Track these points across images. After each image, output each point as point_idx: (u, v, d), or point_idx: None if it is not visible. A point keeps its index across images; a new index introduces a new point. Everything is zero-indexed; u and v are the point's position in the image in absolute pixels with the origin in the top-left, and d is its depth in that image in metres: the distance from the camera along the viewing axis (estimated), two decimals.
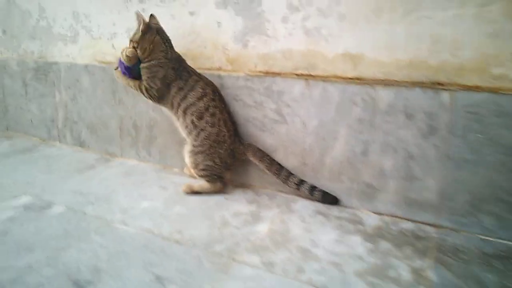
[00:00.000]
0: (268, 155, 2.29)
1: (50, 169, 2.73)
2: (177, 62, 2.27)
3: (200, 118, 2.24)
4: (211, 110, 2.24)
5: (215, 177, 2.32)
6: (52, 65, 3.15)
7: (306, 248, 1.81)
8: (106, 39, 2.85)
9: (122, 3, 2.71)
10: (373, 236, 1.91)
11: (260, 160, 2.28)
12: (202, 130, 2.25)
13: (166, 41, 2.24)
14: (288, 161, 2.32)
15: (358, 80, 2.06)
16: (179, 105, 2.26)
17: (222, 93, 2.40)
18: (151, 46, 2.19)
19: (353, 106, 2.08)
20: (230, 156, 2.31)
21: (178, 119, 2.31)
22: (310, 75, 2.18)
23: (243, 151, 2.32)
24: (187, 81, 2.25)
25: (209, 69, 2.48)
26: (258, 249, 1.80)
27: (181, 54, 2.36)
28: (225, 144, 2.28)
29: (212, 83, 2.32)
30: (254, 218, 2.07)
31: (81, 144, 3.16)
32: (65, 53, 3.09)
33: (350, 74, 2.08)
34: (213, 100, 2.25)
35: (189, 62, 2.45)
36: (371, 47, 2.01)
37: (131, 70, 2.27)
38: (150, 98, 2.30)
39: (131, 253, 1.76)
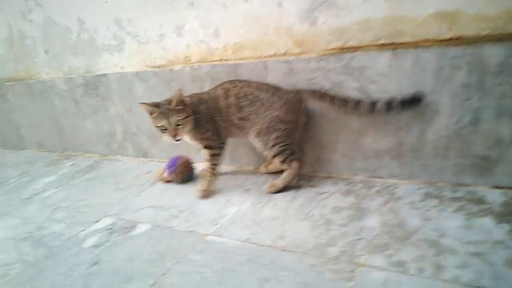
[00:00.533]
0: (324, 92, 2.10)
1: (120, 186, 2.61)
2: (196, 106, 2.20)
3: (247, 105, 2.15)
4: (243, 92, 2.15)
5: (288, 150, 2.11)
6: (101, 78, 3.02)
7: (434, 240, 1.58)
8: (155, 42, 2.67)
9: (166, 1, 2.52)
10: (505, 215, 1.65)
11: (320, 98, 2.08)
12: (255, 112, 2.13)
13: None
14: (381, 143, 2.09)
15: (457, 41, 1.78)
16: (231, 122, 2.21)
17: (293, 79, 2.19)
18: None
19: (455, 71, 1.80)
20: (289, 113, 2.10)
21: (237, 129, 2.24)
22: (397, 44, 1.92)
23: (299, 99, 2.11)
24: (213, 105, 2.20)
25: (273, 55, 2.25)
26: (379, 248, 1.58)
27: (239, 43, 2.22)
28: (276, 105, 2.09)
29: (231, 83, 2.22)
30: (359, 212, 1.86)
31: (145, 154, 3.03)
32: (112, 64, 2.95)
33: (446, 35, 1.81)
34: (235, 86, 2.18)
35: (249, 52, 2.25)
36: (470, 1, 1.72)
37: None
38: (221, 146, 2.26)
39: (239, 270, 1.58)
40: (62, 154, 3.56)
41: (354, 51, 2.03)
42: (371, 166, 2.15)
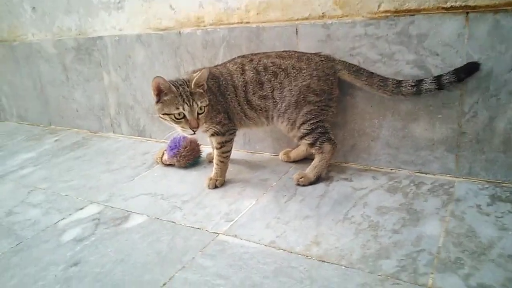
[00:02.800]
0: (361, 67, 1.73)
1: (111, 167, 2.19)
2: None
3: (269, 79, 1.75)
4: (263, 65, 1.76)
5: (320, 129, 1.73)
6: (95, 41, 2.58)
7: None
8: None
9: None
10: None
11: (355, 74, 1.71)
12: (280, 86, 1.74)
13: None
14: (435, 132, 1.70)
15: None
16: (242, 103, 1.81)
17: (330, 48, 1.80)
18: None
19: None
20: (321, 82, 1.71)
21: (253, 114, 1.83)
22: (470, 7, 1.52)
23: (332, 65, 1.73)
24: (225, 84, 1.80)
25: (306, 18, 1.85)
26: (449, 265, 1.20)
27: (265, 2, 1.81)
28: (305, 72, 1.70)
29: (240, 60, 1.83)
30: (412, 215, 1.47)
31: (141, 132, 2.62)
32: (110, 25, 2.51)
33: None
34: (250, 60, 1.80)
35: (277, 14, 1.85)
36: None
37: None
38: (231, 133, 1.84)
39: (265, 285, 1.19)
40: (46, 128, 3.13)
41: (413, 14, 1.63)
42: (420, 159, 1.76)
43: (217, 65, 1.86)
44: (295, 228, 1.47)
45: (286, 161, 2.02)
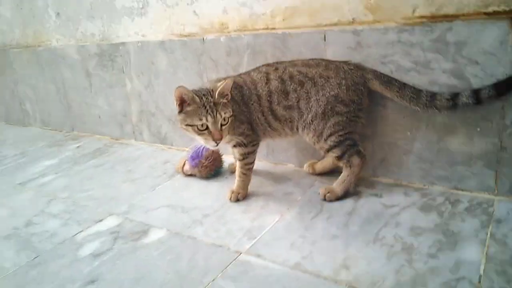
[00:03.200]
0: (393, 77, 1.61)
1: (133, 176, 2.15)
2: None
3: (295, 89, 1.66)
4: (289, 74, 1.68)
5: (348, 141, 1.64)
6: (118, 47, 2.56)
7: None
8: (185, 4, 2.20)
9: None
10: None
11: (386, 85, 1.60)
12: (306, 96, 1.64)
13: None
14: (474, 146, 1.58)
15: None
16: (266, 113, 1.72)
17: (360, 56, 1.71)
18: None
19: None
20: (351, 91, 1.61)
21: (277, 125, 1.75)
22: None
23: (361, 74, 1.63)
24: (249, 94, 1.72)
25: (335, 24, 1.75)
26: None
27: (292, 8, 1.73)
28: (333, 80, 1.61)
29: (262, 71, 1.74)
30: (448, 237, 1.36)
31: (163, 140, 2.57)
32: (133, 31, 2.48)
33: None
34: (275, 68, 1.71)
35: (304, 19, 1.77)
36: None
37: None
38: (254, 144, 1.76)
39: None
40: (68, 133, 3.13)
41: (451, 20, 1.52)
42: (456, 174, 1.65)
43: (240, 74, 1.79)
44: (322, 249, 1.38)
45: (312, 173, 1.93)
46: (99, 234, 1.61)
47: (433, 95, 1.53)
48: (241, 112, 1.69)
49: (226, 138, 1.63)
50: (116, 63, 2.62)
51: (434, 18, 1.55)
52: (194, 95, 1.54)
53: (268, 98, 1.68)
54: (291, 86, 1.65)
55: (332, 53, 1.78)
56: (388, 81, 1.60)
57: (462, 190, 1.65)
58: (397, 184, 1.77)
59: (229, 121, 1.58)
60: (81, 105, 2.97)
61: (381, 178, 1.82)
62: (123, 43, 2.53)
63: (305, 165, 1.96)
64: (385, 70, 1.67)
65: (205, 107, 1.53)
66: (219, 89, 1.54)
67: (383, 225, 1.47)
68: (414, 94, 1.56)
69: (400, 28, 1.61)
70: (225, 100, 1.57)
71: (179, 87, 1.53)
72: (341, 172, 1.70)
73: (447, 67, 1.55)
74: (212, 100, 1.54)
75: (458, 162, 1.63)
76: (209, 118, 1.52)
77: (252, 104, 1.70)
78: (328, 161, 1.88)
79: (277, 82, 1.67)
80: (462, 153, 1.62)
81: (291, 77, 1.66)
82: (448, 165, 1.66)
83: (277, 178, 1.95)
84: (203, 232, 1.55)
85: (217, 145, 1.58)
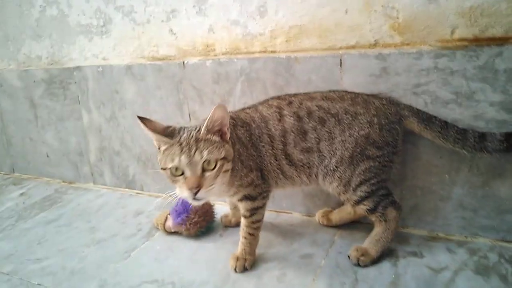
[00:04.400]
0: (433, 115, 1.33)
1: (97, 236, 1.71)
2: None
3: (315, 128, 1.33)
4: (306, 109, 1.35)
5: (382, 191, 1.33)
6: (72, 72, 2.11)
7: None
8: (159, 21, 1.82)
9: None
10: None
11: (426, 123, 1.32)
12: (328, 137, 1.32)
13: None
14: None
15: None
16: (279, 158, 1.37)
17: (386, 85, 1.43)
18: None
19: None
20: (384, 131, 1.31)
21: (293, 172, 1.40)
22: None
23: (396, 111, 1.33)
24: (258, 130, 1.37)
25: (353, 47, 1.46)
26: None
27: (298, 27, 1.45)
28: (362, 118, 1.31)
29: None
30: None
31: (130, 184, 2.13)
32: (91, 53, 2.05)
33: None
34: (289, 102, 1.38)
35: (314, 41, 1.48)
36: None
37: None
38: (265, 196, 1.40)
39: None
40: (8, 176, 2.57)
41: (500, 44, 1.27)
42: (505, 224, 1.39)
43: (245, 108, 1.44)
44: None
45: (326, 225, 1.60)
46: None
47: (482, 136, 1.27)
48: (249, 157, 1.33)
49: (214, 189, 1.21)
50: (69, 91, 2.16)
51: (478, 41, 1.30)
52: (163, 132, 1.20)
53: (282, 139, 1.34)
54: (309, 124, 1.32)
55: (350, 81, 1.47)
56: (428, 119, 1.32)
57: (504, 240, 1.39)
58: (433, 237, 1.48)
59: (218, 166, 1.18)
60: (24, 141, 2.45)
61: (412, 229, 1.53)
62: (78, 68, 2.09)
63: (317, 215, 1.63)
64: (418, 102, 1.39)
65: (180, 144, 1.16)
66: (206, 121, 1.17)
67: None
68: (459, 134, 1.29)
69: (437, 53, 1.34)
70: (215, 138, 1.19)
71: (140, 120, 1.21)
72: (373, 229, 1.38)
73: (496, 99, 1.30)
74: (195, 135, 1.17)
75: (508, 209, 1.38)
76: (183, 158, 1.14)
77: (263, 146, 1.34)
78: (347, 210, 1.56)
79: (292, 119, 1.33)
80: None
81: (309, 113, 1.33)
82: (494, 213, 1.40)
83: (285, 232, 1.60)
84: None
85: (194, 197, 1.16)
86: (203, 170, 1.16)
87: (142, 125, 1.20)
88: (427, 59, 1.36)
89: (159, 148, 1.24)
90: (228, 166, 1.22)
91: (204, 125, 1.17)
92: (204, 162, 1.15)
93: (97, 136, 2.15)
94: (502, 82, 1.28)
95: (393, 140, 1.32)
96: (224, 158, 1.19)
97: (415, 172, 1.47)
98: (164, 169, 1.20)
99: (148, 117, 1.23)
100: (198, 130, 1.19)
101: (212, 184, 1.17)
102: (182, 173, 1.17)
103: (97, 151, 2.18)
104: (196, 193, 1.15)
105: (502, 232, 1.40)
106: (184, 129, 1.22)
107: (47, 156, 2.39)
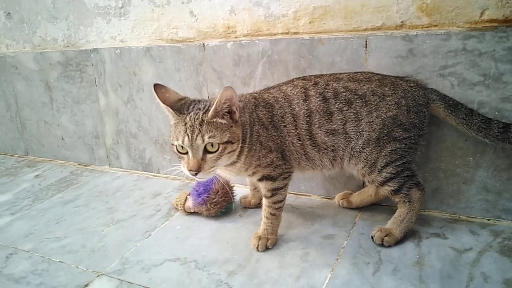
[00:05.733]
0: (459, 102, 1.32)
1: (116, 216, 1.71)
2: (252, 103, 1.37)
3: (341, 109, 1.32)
4: (332, 90, 1.34)
5: (407, 172, 1.33)
6: (89, 54, 2.10)
7: None
8: (180, 3, 1.80)
9: None
10: None
11: (451, 110, 1.31)
12: (355, 118, 1.32)
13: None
14: None
15: None
16: (303, 138, 1.36)
17: (412, 67, 1.42)
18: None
19: None
20: (412, 113, 1.30)
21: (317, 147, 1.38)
22: None
23: (424, 94, 1.32)
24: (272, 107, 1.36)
25: (378, 28, 1.45)
26: None
27: (322, 8, 1.43)
28: (390, 99, 1.30)
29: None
30: None
31: (146, 167, 2.13)
32: (109, 35, 2.04)
33: None
34: (315, 83, 1.37)
35: (339, 22, 1.47)
36: None
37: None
38: (286, 177, 1.38)
39: None
40: (22, 159, 2.58)
41: None
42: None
43: (269, 88, 1.43)
44: None
45: (346, 207, 1.59)
46: None
47: (506, 127, 1.27)
48: (269, 137, 1.32)
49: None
50: (86, 73, 2.15)
51: (509, 22, 1.28)
52: (177, 106, 1.21)
53: (307, 119, 1.33)
54: (336, 106, 1.31)
55: (376, 63, 1.46)
56: (454, 105, 1.31)
57: None
58: (455, 219, 1.48)
59: (220, 149, 1.18)
60: (39, 125, 2.45)
61: (433, 212, 1.52)
62: (95, 50, 2.08)
63: (337, 197, 1.63)
64: (444, 84, 1.38)
65: (185, 124, 1.16)
66: (214, 104, 1.16)
67: (468, 279, 1.16)
68: (483, 123, 1.29)
69: (466, 34, 1.32)
70: (223, 121, 1.18)
71: (156, 87, 1.24)
72: (397, 210, 1.37)
73: None
74: (201, 116, 1.16)
75: None
76: (186, 140, 1.15)
77: (285, 126, 1.34)
78: (368, 192, 1.56)
79: (318, 100, 1.32)
80: None
81: (336, 94, 1.32)
82: None
83: (305, 214, 1.59)
84: None
85: (195, 175, 1.18)
86: (207, 151, 1.17)
87: (154, 94, 1.20)
88: (455, 40, 1.35)
89: (172, 119, 1.24)
90: (233, 147, 1.22)
91: (212, 108, 1.16)
92: (206, 145, 1.16)
93: (114, 119, 2.15)
94: None
95: (420, 122, 1.31)
96: (228, 142, 1.19)
97: (439, 154, 1.46)
98: (172, 144, 1.22)
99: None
100: (205, 112, 1.18)
101: (213, 166, 1.19)
102: (187, 152, 1.17)
103: (114, 134, 2.18)
104: (195, 175, 1.17)
105: None
106: (194, 106, 1.22)
107: (62, 139, 2.39)
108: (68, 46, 2.20)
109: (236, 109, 1.20)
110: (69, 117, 2.31)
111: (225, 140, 1.17)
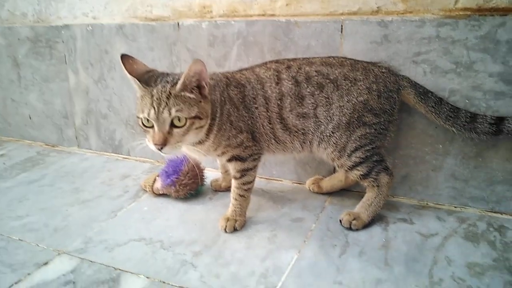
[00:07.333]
0: (429, 90, 1.33)
1: (82, 197, 1.66)
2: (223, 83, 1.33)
3: (313, 93, 1.31)
4: (305, 74, 1.32)
5: (376, 157, 1.33)
6: (60, 30, 2.03)
7: None
8: None
9: None
10: None
11: (421, 97, 1.32)
12: (326, 102, 1.30)
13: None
14: None
15: None
16: (274, 121, 1.35)
17: (386, 53, 1.42)
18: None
19: None
20: (382, 98, 1.30)
21: (287, 131, 1.37)
22: None
23: (396, 80, 1.32)
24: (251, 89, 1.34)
25: (354, 13, 1.44)
26: None
27: None
28: (361, 84, 1.29)
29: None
30: None
31: (116, 148, 2.08)
32: (81, 11, 1.97)
33: None
34: (287, 66, 1.35)
35: (316, 6, 1.45)
36: None
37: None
38: (255, 158, 1.37)
39: None
40: None
41: (504, 14, 1.28)
42: (495, 195, 1.41)
43: (241, 70, 1.40)
44: None
45: (317, 192, 1.59)
46: (46, 286, 1.12)
47: (473, 117, 1.28)
48: (239, 118, 1.30)
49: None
50: (55, 50, 2.08)
51: (482, 11, 1.30)
52: (143, 78, 1.16)
53: (279, 102, 1.31)
54: (308, 89, 1.30)
55: (351, 48, 1.46)
56: (424, 93, 1.32)
57: (501, 212, 1.42)
58: (423, 206, 1.50)
59: (188, 124, 1.15)
60: (5, 103, 2.35)
61: (402, 198, 1.54)
62: (66, 26, 2.01)
63: (308, 182, 1.62)
64: (417, 71, 1.39)
65: (152, 97, 1.12)
66: (183, 76, 1.12)
67: (432, 262, 1.17)
68: (451, 112, 1.30)
69: (440, 21, 1.33)
70: (190, 95, 1.14)
71: (122, 57, 1.19)
72: (365, 194, 1.38)
73: (495, 70, 1.31)
74: (168, 90, 1.13)
75: (499, 181, 1.40)
76: (151, 112, 1.12)
77: (257, 108, 1.32)
78: (338, 178, 1.56)
79: (290, 83, 1.31)
80: (504, 171, 1.38)
81: (308, 78, 1.31)
82: (485, 184, 1.42)
83: (275, 198, 1.58)
84: (199, 280, 1.14)
85: (162, 152, 1.15)
86: (174, 126, 1.13)
87: (121, 64, 1.16)
88: (429, 27, 1.35)
89: (137, 92, 1.19)
90: (201, 123, 1.18)
91: (181, 81, 1.13)
92: (173, 119, 1.12)
93: (84, 98, 2.08)
94: (502, 53, 1.29)
95: (390, 108, 1.31)
96: (196, 117, 1.16)
97: (409, 141, 1.47)
98: (137, 117, 1.18)
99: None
100: (173, 85, 1.14)
101: (179, 141, 1.16)
102: (153, 126, 1.14)
103: (83, 113, 2.12)
104: (161, 149, 1.13)
105: (492, 203, 1.42)
106: (162, 78, 1.17)
107: (30, 118, 2.31)
108: (38, 21, 2.11)
109: (206, 84, 1.17)
110: (37, 96, 2.23)
111: (193, 115, 1.14)
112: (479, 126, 1.29)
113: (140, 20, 1.83)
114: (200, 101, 1.16)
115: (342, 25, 1.46)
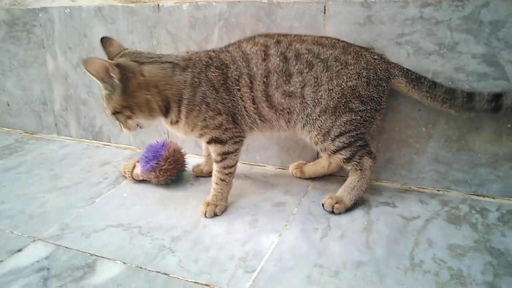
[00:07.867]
0: (421, 75, 1.30)
1: (60, 183, 1.61)
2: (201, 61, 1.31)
3: (301, 71, 1.27)
4: (294, 50, 1.29)
5: (360, 142, 1.31)
6: (37, 13, 1.96)
7: None
8: None
9: None
10: None
11: (415, 83, 1.28)
12: (314, 83, 1.27)
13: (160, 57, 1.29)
14: (502, 144, 1.38)
15: None
16: (259, 100, 1.32)
17: (369, 34, 1.40)
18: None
19: None
20: (371, 86, 1.28)
21: (275, 113, 1.34)
22: None
23: (387, 68, 1.30)
24: (233, 69, 1.31)
25: None
26: None
27: None
28: (351, 68, 1.26)
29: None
30: (499, 258, 1.12)
31: (97, 135, 2.03)
32: None
33: None
34: (277, 41, 1.31)
35: None
36: None
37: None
38: (236, 141, 1.35)
39: None
40: None
41: None
42: (478, 178, 1.41)
43: (228, 46, 1.36)
44: (350, 282, 1.02)
45: (299, 177, 1.57)
46: (19, 273, 1.09)
47: (470, 95, 1.25)
48: (218, 100, 1.27)
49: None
50: (33, 34, 2.01)
51: None
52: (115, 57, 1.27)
53: (265, 80, 1.28)
54: (296, 67, 1.27)
55: (334, 29, 1.43)
56: (416, 79, 1.29)
57: (483, 195, 1.41)
58: (406, 189, 1.49)
59: (124, 112, 1.27)
60: None
61: (385, 182, 1.53)
62: (44, 9, 1.94)
63: (291, 167, 1.60)
64: (400, 52, 1.37)
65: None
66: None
67: (413, 244, 1.16)
68: (448, 94, 1.27)
69: (423, 2, 1.31)
70: (107, 91, 1.26)
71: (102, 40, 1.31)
72: (348, 178, 1.36)
73: (479, 52, 1.29)
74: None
75: (481, 163, 1.39)
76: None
77: (239, 90, 1.29)
78: (321, 163, 1.54)
79: (278, 59, 1.28)
80: (487, 154, 1.37)
81: (298, 55, 1.27)
82: (468, 167, 1.41)
83: (258, 183, 1.56)
84: (177, 265, 1.11)
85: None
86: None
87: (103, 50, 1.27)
88: (413, 8, 1.33)
89: None
90: (134, 112, 1.26)
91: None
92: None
93: (63, 83, 2.03)
94: (486, 34, 1.27)
95: (378, 96, 1.29)
96: (125, 107, 1.25)
97: (393, 125, 1.45)
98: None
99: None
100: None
101: (129, 127, 1.31)
102: None
103: (62, 100, 2.06)
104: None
105: (474, 186, 1.42)
106: (136, 55, 1.26)
107: (8, 105, 2.24)
108: (14, 4, 2.04)
109: (110, 72, 1.19)
110: (15, 82, 2.16)
111: (112, 110, 1.27)
112: (477, 104, 1.25)
113: (119, 1, 1.78)
114: (112, 96, 1.24)
115: (325, 6, 1.43)
